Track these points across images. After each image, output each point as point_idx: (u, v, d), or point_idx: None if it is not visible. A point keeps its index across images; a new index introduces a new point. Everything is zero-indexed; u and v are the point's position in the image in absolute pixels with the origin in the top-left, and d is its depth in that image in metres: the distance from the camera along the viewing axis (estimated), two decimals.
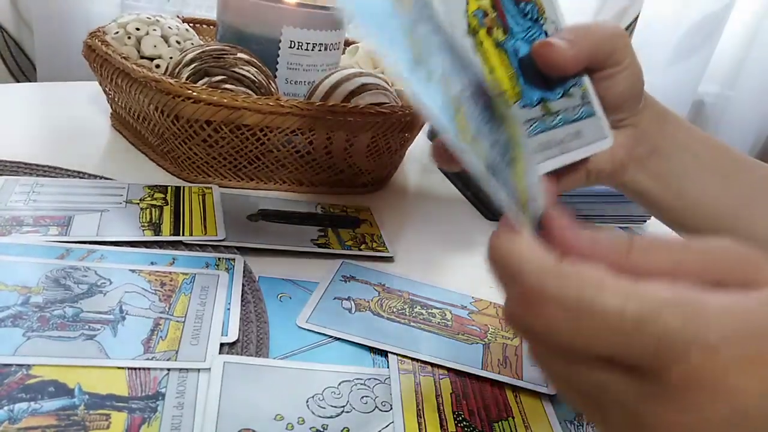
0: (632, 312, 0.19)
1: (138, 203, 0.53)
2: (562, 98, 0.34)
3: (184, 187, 0.57)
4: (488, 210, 0.35)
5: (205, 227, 0.51)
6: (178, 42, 0.65)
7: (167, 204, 0.53)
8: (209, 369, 0.36)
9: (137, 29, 0.64)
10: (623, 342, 0.19)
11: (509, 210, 0.22)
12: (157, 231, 0.49)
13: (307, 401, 0.36)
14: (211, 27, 0.78)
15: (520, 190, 0.23)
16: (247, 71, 0.57)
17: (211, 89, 0.54)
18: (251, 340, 0.40)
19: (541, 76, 0.34)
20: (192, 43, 0.66)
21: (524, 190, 0.24)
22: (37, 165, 0.56)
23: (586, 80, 0.35)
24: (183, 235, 0.49)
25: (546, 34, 0.34)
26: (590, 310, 0.20)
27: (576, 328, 0.20)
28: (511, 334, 0.46)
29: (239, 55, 0.58)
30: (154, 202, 0.53)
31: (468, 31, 0.32)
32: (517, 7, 0.34)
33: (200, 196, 0.56)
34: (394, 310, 0.46)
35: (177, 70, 0.57)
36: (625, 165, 0.40)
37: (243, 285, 0.45)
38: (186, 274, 0.44)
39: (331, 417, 0.35)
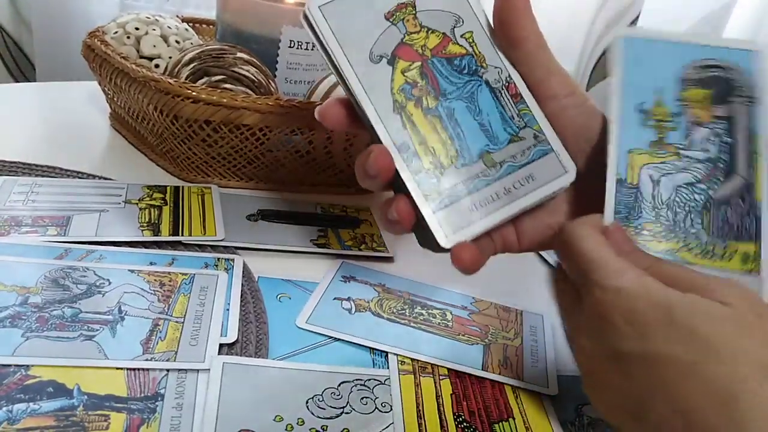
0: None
1: (137, 203, 0.52)
2: (510, 144, 0.34)
3: (183, 187, 0.57)
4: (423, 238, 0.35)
5: (204, 227, 0.50)
6: (177, 42, 0.65)
7: (166, 204, 0.53)
8: (208, 370, 0.36)
9: (136, 29, 0.64)
10: None
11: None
12: (156, 231, 0.49)
13: (307, 402, 0.36)
14: (211, 26, 0.78)
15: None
16: (247, 71, 0.57)
17: (210, 89, 0.54)
18: (250, 341, 0.40)
19: (485, 125, 0.34)
20: (191, 43, 0.66)
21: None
22: (36, 165, 0.56)
23: (539, 117, 0.35)
24: (182, 235, 0.49)
25: (487, 83, 0.34)
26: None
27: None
28: (511, 335, 0.46)
29: (239, 54, 0.57)
30: (153, 202, 0.53)
31: (394, 108, 0.33)
32: (451, 66, 0.34)
33: (199, 196, 0.56)
34: (394, 310, 0.46)
35: (176, 69, 0.57)
36: None
37: (242, 285, 0.44)
38: (185, 274, 0.44)
39: (330, 418, 0.35)
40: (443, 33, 0.34)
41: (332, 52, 0.33)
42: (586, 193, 0.35)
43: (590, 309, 0.31)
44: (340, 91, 0.58)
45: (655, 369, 0.29)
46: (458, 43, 0.34)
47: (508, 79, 0.34)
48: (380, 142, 0.33)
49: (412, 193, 0.32)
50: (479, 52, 0.34)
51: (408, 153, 0.33)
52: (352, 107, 0.34)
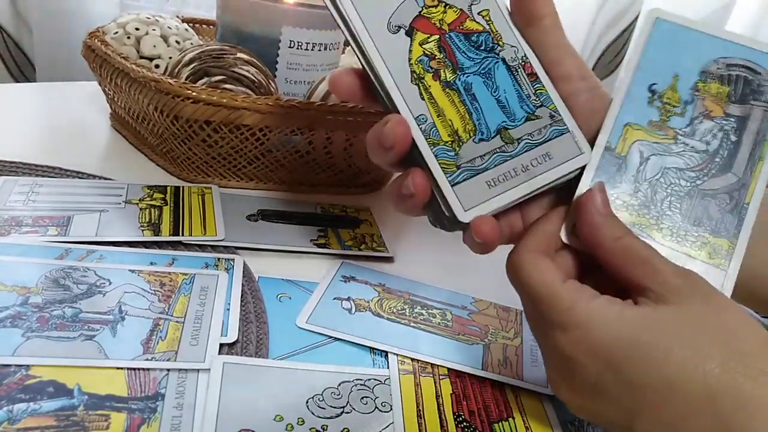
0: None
1: (137, 203, 0.52)
2: (527, 122, 0.34)
3: (183, 187, 0.57)
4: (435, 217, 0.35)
5: (204, 227, 0.51)
6: (177, 42, 0.65)
7: (166, 204, 0.53)
8: (209, 369, 0.36)
9: (137, 29, 0.64)
10: None
11: None
12: (157, 231, 0.49)
13: (307, 402, 0.36)
14: (211, 27, 0.78)
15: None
16: (247, 71, 0.57)
17: (210, 89, 0.54)
18: (251, 341, 0.40)
19: (503, 101, 0.34)
20: (191, 43, 0.66)
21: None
22: (36, 165, 0.56)
23: (555, 98, 0.35)
24: (182, 235, 0.49)
25: (504, 60, 0.34)
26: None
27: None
28: (511, 335, 0.46)
29: (239, 54, 0.58)
30: (153, 203, 0.53)
31: (412, 79, 0.32)
32: (468, 41, 0.34)
33: (200, 196, 0.56)
34: (394, 310, 0.46)
35: (176, 70, 0.57)
36: None
37: (242, 285, 0.44)
38: (185, 274, 0.44)
39: (330, 417, 0.35)
40: (460, 9, 0.34)
41: (350, 20, 0.32)
42: None
43: (553, 350, 0.32)
44: None
45: (633, 395, 0.29)
46: (475, 20, 0.34)
47: (524, 58, 0.35)
48: (397, 113, 0.32)
49: (430, 165, 0.32)
50: (496, 30, 0.34)
51: (426, 125, 0.32)
52: (365, 79, 0.34)
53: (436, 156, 0.32)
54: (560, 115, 0.34)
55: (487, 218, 0.33)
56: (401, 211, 0.35)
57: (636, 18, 1.27)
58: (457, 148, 0.32)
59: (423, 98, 0.32)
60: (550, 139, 0.34)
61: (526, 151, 0.33)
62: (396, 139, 0.32)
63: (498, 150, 0.33)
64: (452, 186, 0.32)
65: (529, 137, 0.34)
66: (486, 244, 0.33)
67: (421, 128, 0.32)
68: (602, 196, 0.33)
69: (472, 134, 0.33)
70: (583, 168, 0.34)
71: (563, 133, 0.34)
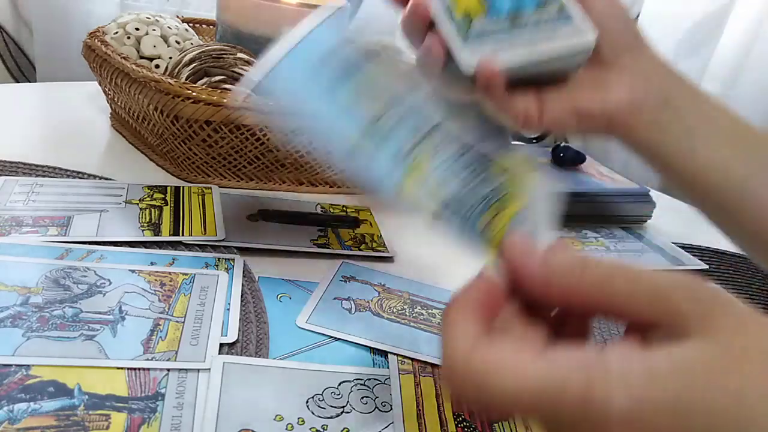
0: (529, 393, 0.21)
1: (137, 203, 0.52)
2: (537, 8, 0.36)
3: (183, 187, 0.57)
4: None
5: (204, 227, 0.51)
6: (177, 42, 0.65)
7: (167, 204, 0.53)
8: (209, 369, 0.36)
9: (137, 29, 0.64)
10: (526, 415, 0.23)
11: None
12: (157, 231, 0.49)
13: (307, 401, 0.36)
14: (211, 27, 0.78)
15: (494, 234, 0.31)
16: (247, 71, 0.57)
17: (210, 89, 0.54)
18: (251, 341, 0.40)
19: None
20: (191, 43, 0.66)
21: (499, 234, 0.31)
22: (37, 165, 0.56)
23: None
24: (182, 235, 0.49)
25: None
26: (491, 394, 0.22)
27: (485, 405, 0.23)
28: None
29: (239, 55, 0.58)
30: (153, 203, 0.53)
31: None
32: None
33: (200, 196, 0.56)
34: (394, 310, 0.46)
35: (176, 70, 0.57)
36: (632, 113, 0.38)
37: (242, 285, 0.44)
38: (185, 274, 0.44)
39: (331, 417, 0.35)
40: None
41: None
42: (607, 75, 0.37)
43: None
44: None
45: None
46: None
47: None
48: None
49: (445, 31, 0.34)
50: None
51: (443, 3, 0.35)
52: None
53: (449, 23, 0.35)
54: (569, 11, 0.36)
55: (491, 58, 0.34)
56: (426, 73, 0.36)
57: (636, 18, 1.27)
58: (469, 22, 0.35)
59: None
60: (558, 20, 0.36)
61: (533, 32, 0.36)
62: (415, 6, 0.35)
63: (507, 28, 0.35)
64: (463, 42, 0.35)
65: (537, 21, 0.36)
66: (492, 77, 0.34)
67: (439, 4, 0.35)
68: (522, 243, 0.25)
69: (484, 13, 0.35)
70: (586, 52, 0.36)
71: (571, 18, 0.36)
